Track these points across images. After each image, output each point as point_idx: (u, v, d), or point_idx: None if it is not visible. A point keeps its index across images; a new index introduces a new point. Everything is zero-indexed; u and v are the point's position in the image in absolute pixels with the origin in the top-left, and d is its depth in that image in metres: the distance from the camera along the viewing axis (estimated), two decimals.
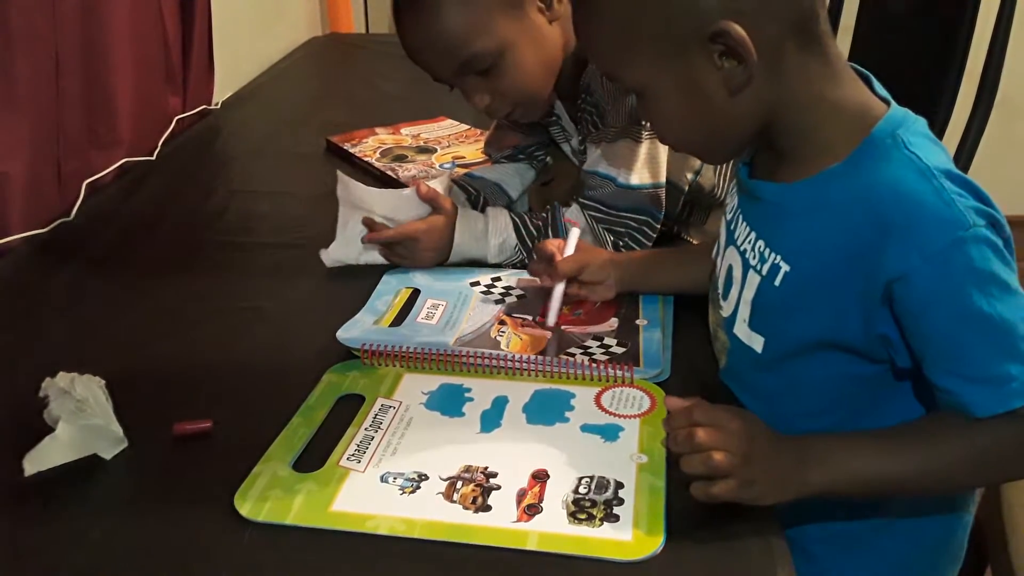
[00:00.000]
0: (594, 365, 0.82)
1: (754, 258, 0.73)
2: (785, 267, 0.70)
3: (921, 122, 0.68)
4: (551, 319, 0.91)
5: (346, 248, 1.03)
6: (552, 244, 0.93)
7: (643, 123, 0.98)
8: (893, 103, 0.69)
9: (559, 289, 0.91)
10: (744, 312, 0.74)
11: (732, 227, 0.78)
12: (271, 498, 0.66)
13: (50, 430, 0.70)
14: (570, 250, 0.93)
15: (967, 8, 1.29)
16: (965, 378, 0.63)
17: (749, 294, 0.73)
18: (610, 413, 0.76)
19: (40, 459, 0.69)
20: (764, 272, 0.72)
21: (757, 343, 0.74)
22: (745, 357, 0.75)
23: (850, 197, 0.66)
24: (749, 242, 0.74)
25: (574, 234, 0.94)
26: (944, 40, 1.30)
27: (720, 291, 0.79)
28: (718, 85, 0.66)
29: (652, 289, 0.95)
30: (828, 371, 0.72)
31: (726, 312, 0.77)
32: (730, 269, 0.77)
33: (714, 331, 0.81)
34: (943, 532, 0.81)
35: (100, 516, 0.67)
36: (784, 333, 0.72)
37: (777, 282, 0.70)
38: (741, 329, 0.75)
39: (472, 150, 1.42)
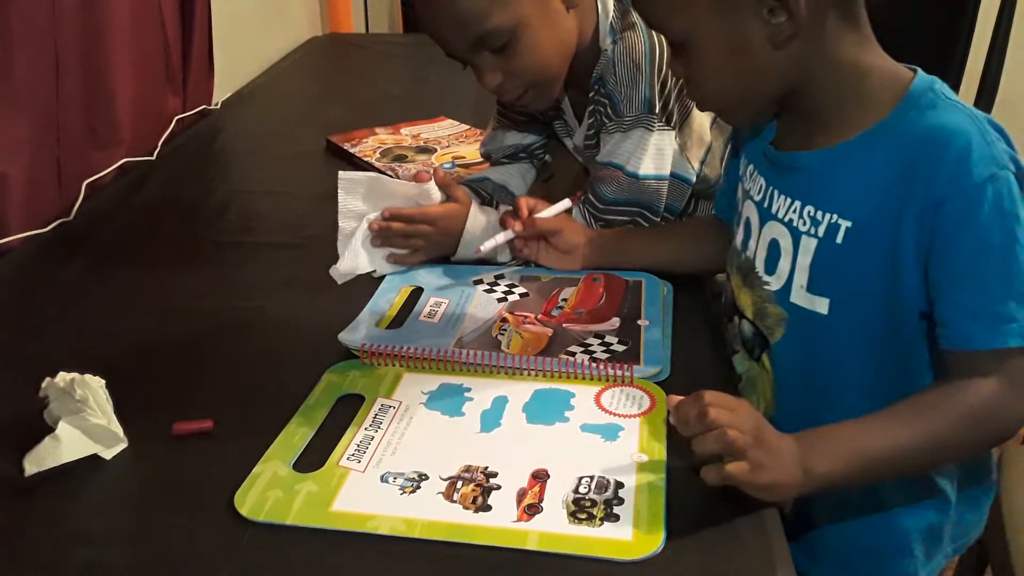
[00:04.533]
0: (594, 364, 0.82)
1: (804, 224, 0.75)
2: (846, 223, 0.72)
3: (945, 84, 0.73)
4: (485, 246, 0.97)
5: (355, 259, 0.99)
6: (531, 200, 0.99)
7: (656, 113, 0.99)
8: (918, 69, 0.73)
9: (509, 234, 0.97)
10: (801, 279, 0.76)
11: (767, 204, 0.80)
12: (271, 498, 0.66)
13: (50, 430, 0.70)
14: (550, 213, 0.98)
15: (967, 8, 1.29)
16: (970, 311, 0.67)
17: (806, 259, 0.75)
18: (610, 413, 0.76)
19: (40, 459, 0.69)
20: (821, 234, 0.74)
21: (822, 305, 0.75)
22: (809, 322, 0.76)
23: (902, 142, 0.69)
24: (795, 211, 0.76)
25: (562, 204, 0.98)
26: (944, 40, 1.30)
27: (761, 268, 0.80)
28: (763, 40, 0.70)
29: (625, 264, 0.98)
30: (896, 326, 0.73)
31: (775, 286, 0.79)
32: (773, 244, 0.79)
33: (759, 309, 0.82)
34: (937, 516, 0.82)
35: (100, 516, 0.67)
36: (854, 289, 0.74)
37: (839, 239, 0.73)
38: (800, 296, 0.77)
39: (472, 150, 1.42)
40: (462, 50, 0.97)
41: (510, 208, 1.01)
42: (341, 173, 1.01)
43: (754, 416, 0.64)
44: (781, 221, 0.78)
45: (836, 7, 0.70)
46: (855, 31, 0.72)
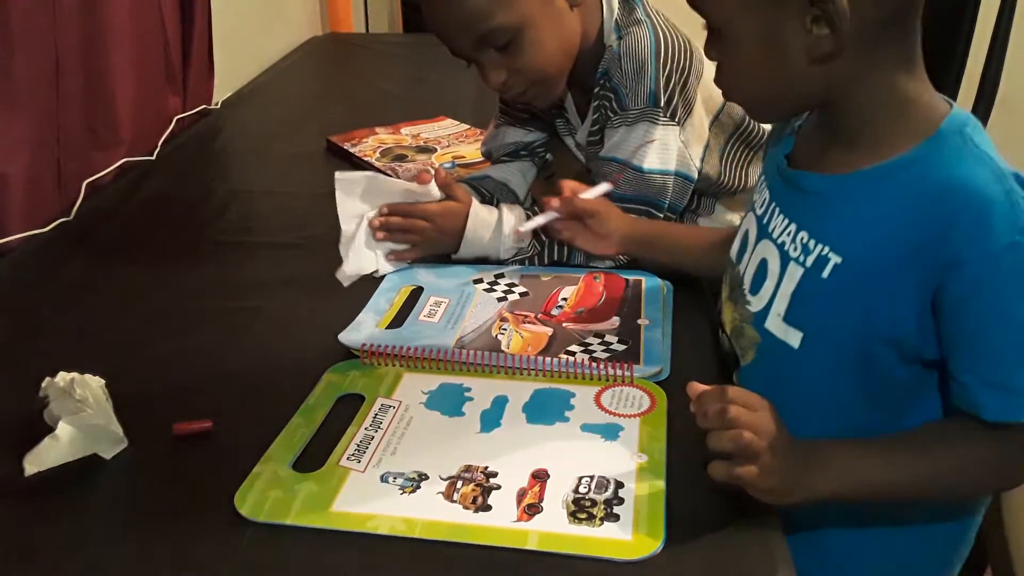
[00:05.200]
0: (594, 364, 0.82)
1: (795, 250, 0.72)
2: (835, 258, 0.69)
3: (980, 126, 0.68)
4: (527, 226, 0.99)
5: (359, 260, 1.00)
6: (573, 183, 0.98)
7: (661, 107, 0.99)
8: (954, 103, 0.69)
9: (551, 215, 0.98)
10: (780, 306, 0.74)
11: (765, 221, 0.77)
12: (271, 498, 0.66)
13: (50, 430, 0.70)
14: (590, 195, 0.98)
15: (967, 8, 1.29)
16: (983, 379, 0.64)
17: (789, 287, 0.73)
18: (610, 412, 0.76)
19: (40, 459, 0.69)
20: (809, 264, 0.71)
21: (794, 338, 0.73)
22: (779, 352, 0.74)
23: (917, 189, 0.65)
24: (788, 234, 0.74)
25: (602, 187, 0.99)
26: (944, 40, 1.30)
27: (748, 286, 0.78)
28: (800, 49, 0.66)
29: (654, 260, 0.98)
30: (866, 368, 0.71)
31: (756, 307, 0.76)
32: (763, 263, 0.76)
33: (737, 328, 0.80)
34: (955, 534, 0.81)
35: (100, 516, 0.67)
36: (828, 326, 0.71)
37: (825, 274, 0.70)
38: (775, 323, 0.74)
39: (472, 150, 1.42)
40: (467, 48, 0.97)
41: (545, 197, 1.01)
42: (337, 174, 1.01)
43: (774, 420, 0.63)
44: (774, 242, 0.75)
45: (891, 29, 0.66)
46: (904, 56, 0.67)
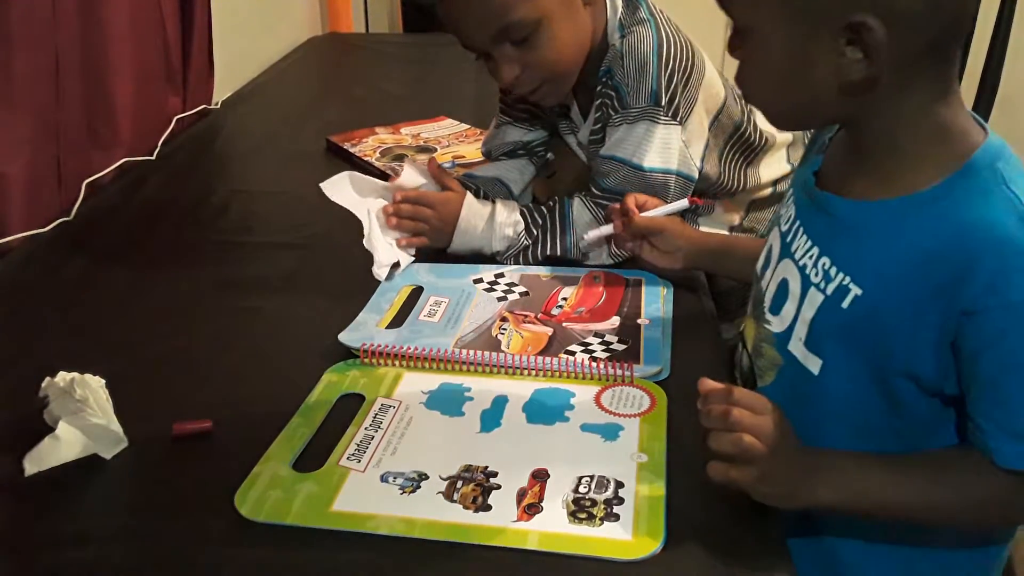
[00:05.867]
0: (594, 364, 0.82)
1: (816, 275, 0.70)
2: (856, 290, 0.66)
3: (1016, 157, 0.65)
4: (589, 236, 1.00)
5: (384, 250, 1.02)
6: (641, 197, 0.98)
7: (662, 106, 0.99)
8: (990, 130, 0.65)
9: (609, 228, 0.99)
10: (801, 331, 0.71)
11: (789, 239, 0.74)
12: (271, 498, 0.66)
13: (50, 430, 0.70)
14: (658, 213, 0.97)
15: None
16: (999, 425, 0.63)
17: (809, 313, 0.70)
18: (610, 412, 0.76)
19: (40, 459, 0.69)
20: (829, 292, 0.68)
21: (814, 365, 0.70)
22: (799, 377, 0.71)
23: (940, 228, 0.62)
24: (811, 257, 0.71)
25: (678, 205, 0.99)
26: None
27: (768, 304, 0.75)
28: (828, 70, 0.62)
29: (726, 274, 0.99)
30: (887, 399, 0.69)
31: (778, 328, 0.74)
32: (784, 283, 0.74)
33: (756, 346, 0.77)
34: (978, 563, 0.78)
35: (100, 516, 0.67)
36: (846, 357, 0.69)
37: (845, 304, 0.67)
38: (797, 348, 0.72)
39: (472, 149, 1.42)
40: (484, 41, 0.97)
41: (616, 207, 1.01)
42: (322, 184, 1.03)
43: (778, 424, 0.62)
44: (796, 263, 0.72)
45: (928, 58, 0.61)
46: (940, 83, 0.63)
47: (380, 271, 1.00)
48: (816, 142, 0.78)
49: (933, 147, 0.64)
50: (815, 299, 0.70)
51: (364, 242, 1.01)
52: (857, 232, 0.68)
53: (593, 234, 1.00)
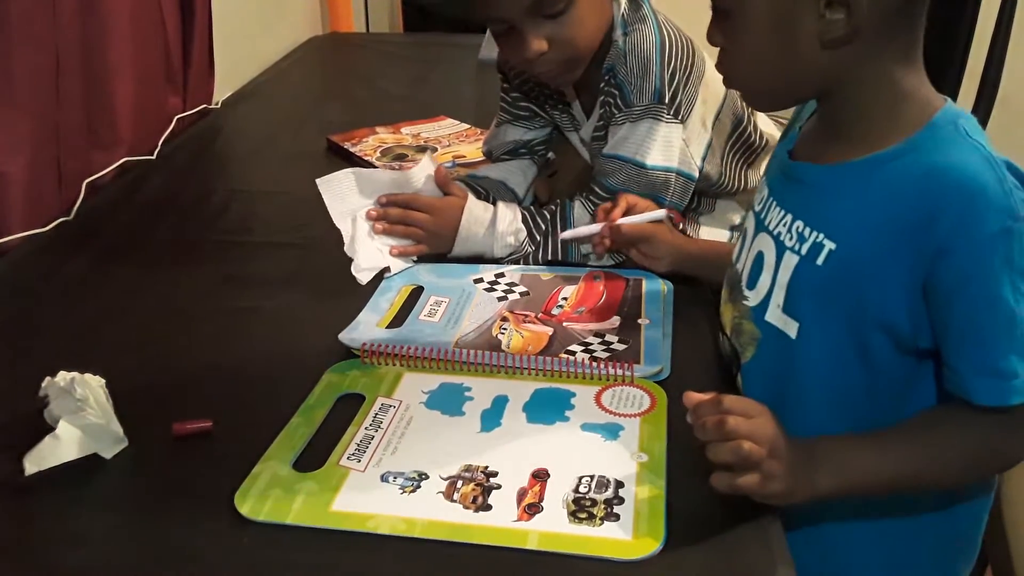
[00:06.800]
0: (594, 364, 0.82)
1: (791, 239, 0.73)
2: (830, 245, 0.70)
3: (974, 118, 0.69)
4: (567, 234, 0.99)
5: (368, 256, 1.01)
6: (632, 199, 0.98)
7: (665, 104, 0.99)
8: (949, 99, 0.70)
9: (596, 227, 0.97)
10: (779, 296, 0.74)
11: (762, 215, 0.78)
12: (271, 498, 0.66)
13: (50, 430, 0.70)
14: (639, 220, 0.97)
15: (967, 8, 1.29)
16: (973, 365, 0.65)
17: (785, 276, 0.73)
18: (610, 412, 0.76)
19: (40, 459, 0.69)
20: (804, 252, 0.72)
21: (792, 328, 0.73)
22: (778, 345, 0.74)
23: (909, 175, 0.66)
24: (784, 224, 0.74)
25: (656, 214, 0.98)
26: (944, 40, 1.30)
27: (744, 282, 0.79)
28: (811, 33, 0.66)
29: (710, 278, 0.97)
30: (863, 358, 0.71)
31: (754, 301, 0.77)
32: (759, 256, 0.77)
33: (736, 327, 0.80)
34: (959, 533, 0.81)
35: (100, 516, 0.67)
36: (823, 314, 0.71)
37: (820, 261, 0.70)
38: (775, 315, 0.74)
39: (472, 149, 1.42)
40: (517, 11, 0.96)
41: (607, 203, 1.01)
42: (318, 180, 1.02)
43: (772, 425, 0.63)
44: (770, 233, 0.76)
45: (900, 17, 0.66)
46: (906, 47, 0.68)
47: (361, 275, 0.99)
48: (793, 124, 0.81)
49: (898, 111, 0.68)
50: (790, 262, 0.73)
51: (346, 248, 1.00)
52: (829, 194, 0.71)
53: (580, 232, 0.99)
